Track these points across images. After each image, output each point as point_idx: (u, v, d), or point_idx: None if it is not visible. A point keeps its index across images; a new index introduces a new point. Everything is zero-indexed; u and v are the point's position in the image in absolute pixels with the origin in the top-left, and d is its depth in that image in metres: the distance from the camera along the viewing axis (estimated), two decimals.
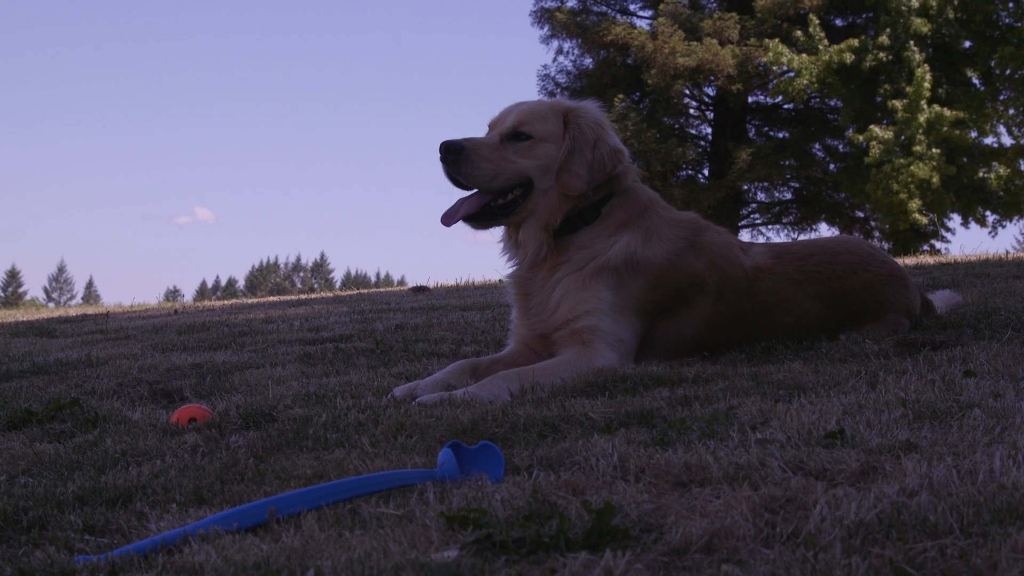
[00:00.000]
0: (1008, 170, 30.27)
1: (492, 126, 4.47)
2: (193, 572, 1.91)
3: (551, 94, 34.78)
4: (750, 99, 34.94)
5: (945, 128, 28.54)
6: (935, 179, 28.31)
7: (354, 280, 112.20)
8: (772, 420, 2.88)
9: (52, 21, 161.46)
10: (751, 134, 35.74)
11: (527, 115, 4.37)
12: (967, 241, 32.57)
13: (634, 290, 4.25)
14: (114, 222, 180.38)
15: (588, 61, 35.34)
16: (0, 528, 2.35)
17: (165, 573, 1.93)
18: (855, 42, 29.50)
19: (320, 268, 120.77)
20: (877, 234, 33.00)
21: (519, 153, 4.31)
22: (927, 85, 28.28)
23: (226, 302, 16.63)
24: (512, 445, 2.86)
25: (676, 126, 35.30)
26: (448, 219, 4.31)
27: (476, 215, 4.31)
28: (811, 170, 34.39)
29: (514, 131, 4.34)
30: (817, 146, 35.09)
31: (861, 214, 34.93)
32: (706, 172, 35.35)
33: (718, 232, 4.58)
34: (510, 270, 4.54)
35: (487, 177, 4.25)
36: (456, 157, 4.22)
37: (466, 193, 4.35)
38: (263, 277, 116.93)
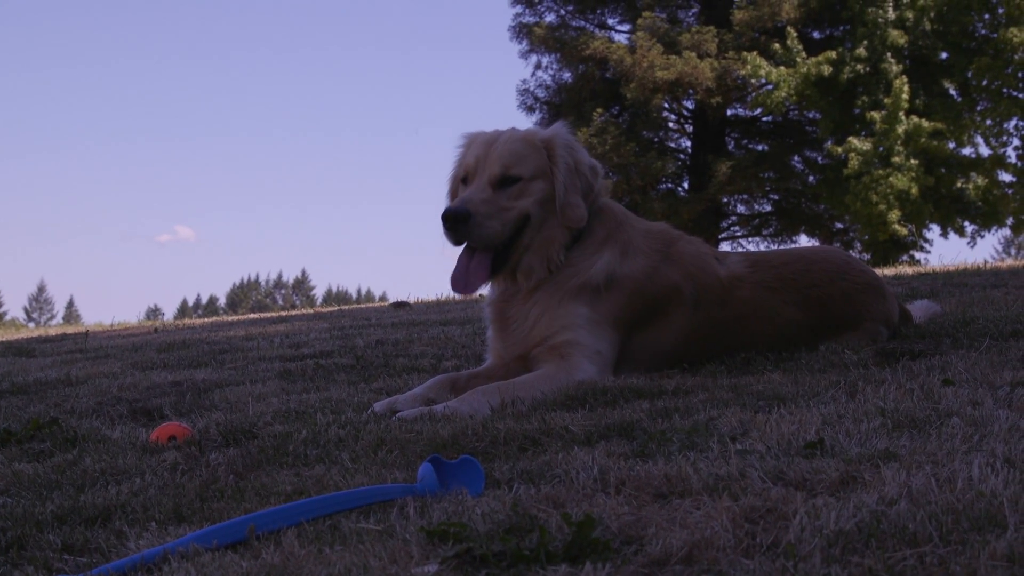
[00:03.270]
0: (986, 180, 30.40)
1: (467, 168, 4.39)
2: None
3: (530, 109, 34.94)
4: (729, 112, 35.03)
5: (923, 139, 28.66)
6: (914, 190, 28.42)
7: (335, 297, 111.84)
8: (752, 431, 2.89)
9: (30, 42, 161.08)
10: (730, 147, 35.81)
11: (510, 157, 4.31)
12: (946, 251, 32.82)
13: (611, 304, 4.27)
14: (94, 241, 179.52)
15: (567, 75, 35.37)
16: None
17: None
18: (833, 54, 29.62)
19: (301, 285, 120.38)
20: (857, 245, 33.09)
21: (512, 197, 4.28)
22: (905, 96, 28.40)
23: (206, 320, 16.55)
24: (492, 459, 2.86)
25: (655, 139, 35.37)
26: (467, 288, 4.24)
27: (489, 275, 4.29)
28: (790, 182, 34.50)
29: (503, 177, 4.29)
30: (796, 158, 35.18)
31: (841, 225, 35.04)
32: (686, 185, 35.39)
33: (690, 242, 4.60)
34: (490, 296, 4.53)
35: (497, 236, 4.22)
36: (465, 226, 4.17)
37: (459, 249, 4.29)
38: (244, 294, 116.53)
